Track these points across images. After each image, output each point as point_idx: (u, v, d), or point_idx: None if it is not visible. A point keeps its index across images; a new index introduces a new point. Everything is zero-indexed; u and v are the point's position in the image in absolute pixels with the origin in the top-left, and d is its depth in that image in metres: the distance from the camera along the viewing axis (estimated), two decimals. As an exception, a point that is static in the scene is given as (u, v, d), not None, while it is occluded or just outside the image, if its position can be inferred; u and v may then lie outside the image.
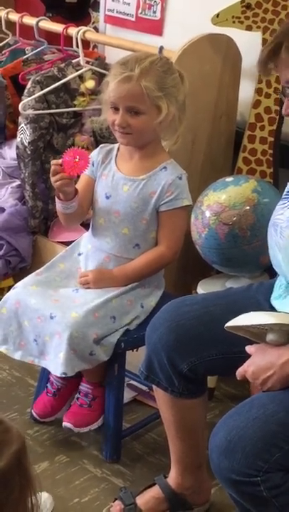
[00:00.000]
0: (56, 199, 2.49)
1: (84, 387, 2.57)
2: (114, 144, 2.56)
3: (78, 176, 2.46)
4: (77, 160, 2.36)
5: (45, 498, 2.31)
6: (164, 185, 2.45)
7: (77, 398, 2.58)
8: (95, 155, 2.57)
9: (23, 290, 2.52)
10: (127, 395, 2.77)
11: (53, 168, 2.39)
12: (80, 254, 2.61)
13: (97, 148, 2.59)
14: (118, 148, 2.55)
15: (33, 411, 2.69)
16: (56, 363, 2.39)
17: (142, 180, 2.48)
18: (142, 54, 2.48)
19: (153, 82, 2.36)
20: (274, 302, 2.07)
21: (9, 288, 2.63)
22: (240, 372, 1.89)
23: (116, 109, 2.40)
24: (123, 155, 2.54)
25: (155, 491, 2.31)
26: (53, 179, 2.40)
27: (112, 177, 2.52)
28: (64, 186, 2.41)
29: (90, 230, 2.59)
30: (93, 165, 2.55)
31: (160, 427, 2.50)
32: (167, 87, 2.39)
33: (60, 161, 2.38)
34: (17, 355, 2.52)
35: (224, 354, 2.06)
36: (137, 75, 2.35)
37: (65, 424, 2.56)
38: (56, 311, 2.41)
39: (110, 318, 2.44)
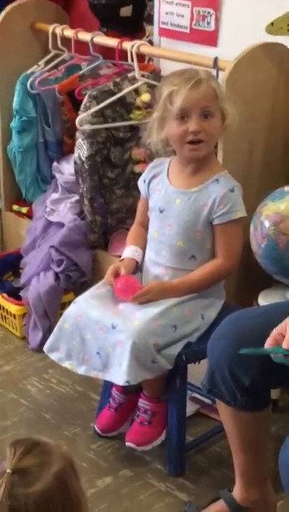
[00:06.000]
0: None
1: (142, 403, 2.57)
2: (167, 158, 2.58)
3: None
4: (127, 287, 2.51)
5: None
6: (215, 198, 2.45)
7: (137, 416, 2.57)
8: (146, 173, 2.59)
9: (84, 304, 2.52)
10: (190, 408, 2.76)
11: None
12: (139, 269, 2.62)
13: (148, 167, 2.62)
14: (169, 162, 2.56)
15: (95, 426, 2.70)
16: (119, 373, 2.38)
17: (193, 193, 2.48)
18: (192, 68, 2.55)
19: (218, 85, 2.44)
20: None
21: (70, 303, 2.64)
22: None
23: (184, 117, 2.40)
24: (175, 169, 2.54)
25: (220, 505, 2.29)
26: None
27: (165, 191, 2.52)
28: None
29: (147, 244, 2.60)
30: (144, 182, 2.57)
31: (224, 440, 2.47)
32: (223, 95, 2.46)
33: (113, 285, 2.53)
34: (81, 370, 2.51)
35: (286, 366, 2.03)
36: (207, 77, 2.41)
37: (127, 443, 2.56)
38: (118, 321, 2.41)
39: (171, 327, 2.43)
